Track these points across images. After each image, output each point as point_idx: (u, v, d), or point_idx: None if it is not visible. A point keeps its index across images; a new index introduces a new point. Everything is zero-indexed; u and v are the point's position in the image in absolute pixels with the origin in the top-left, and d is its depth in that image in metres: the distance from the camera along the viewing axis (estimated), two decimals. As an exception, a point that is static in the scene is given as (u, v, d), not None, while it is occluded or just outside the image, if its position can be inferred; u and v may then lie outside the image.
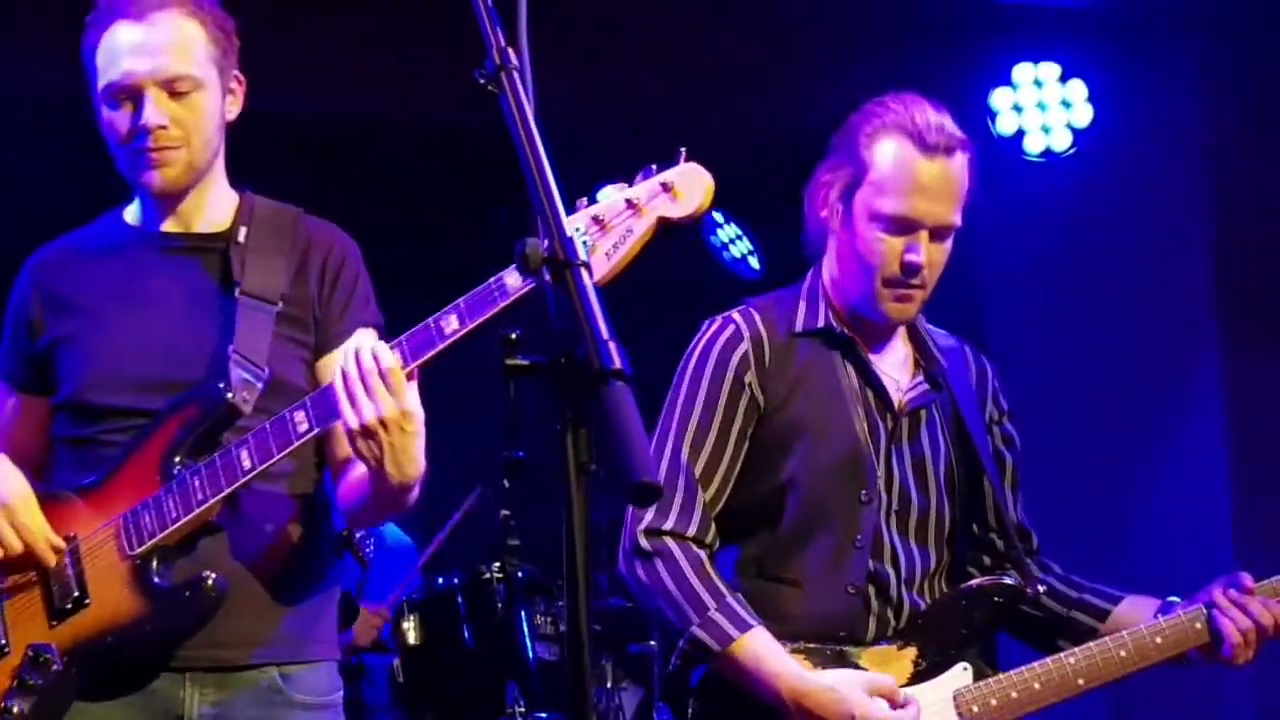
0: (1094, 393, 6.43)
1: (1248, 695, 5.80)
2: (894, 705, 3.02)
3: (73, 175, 4.45)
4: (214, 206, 3.02)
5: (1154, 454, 6.34)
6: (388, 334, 2.78)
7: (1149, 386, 6.35)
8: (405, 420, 2.64)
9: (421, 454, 2.70)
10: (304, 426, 2.72)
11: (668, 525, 3.12)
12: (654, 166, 2.56)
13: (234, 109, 3.00)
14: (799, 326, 3.23)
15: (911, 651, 3.13)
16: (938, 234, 3.14)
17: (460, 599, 5.77)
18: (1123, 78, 6.37)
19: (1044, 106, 6.52)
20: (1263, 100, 6.00)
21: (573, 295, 2.12)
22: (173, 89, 2.88)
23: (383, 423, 2.63)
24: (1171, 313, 6.28)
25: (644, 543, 3.11)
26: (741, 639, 3.03)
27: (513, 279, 2.56)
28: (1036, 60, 6.52)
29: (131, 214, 3.06)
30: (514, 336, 2.18)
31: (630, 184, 2.55)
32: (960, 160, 3.14)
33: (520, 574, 5.75)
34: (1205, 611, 3.16)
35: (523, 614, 5.70)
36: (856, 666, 3.10)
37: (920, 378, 3.27)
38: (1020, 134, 6.55)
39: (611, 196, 2.53)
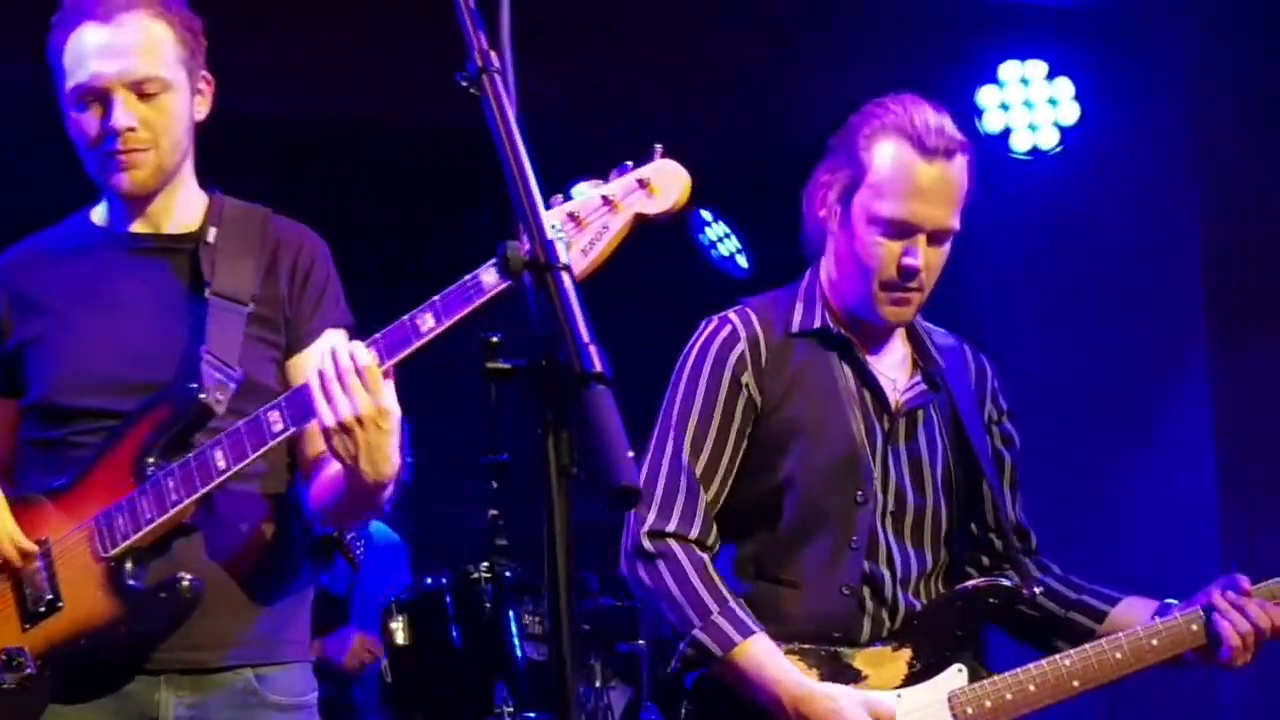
0: (1080, 390, 6.44)
1: (1239, 697, 5.81)
2: None
3: (36, 175, 4.44)
4: (183, 207, 3.00)
5: (1141, 451, 6.34)
6: (370, 334, 2.77)
7: (1136, 384, 6.36)
8: (381, 418, 2.63)
9: (396, 452, 2.69)
10: (279, 426, 2.71)
11: (671, 527, 3.12)
12: (629, 163, 2.56)
13: (202, 110, 2.99)
14: (796, 327, 3.22)
15: (906, 653, 3.13)
16: (936, 237, 3.13)
17: (448, 599, 5.75)
18: (1110, 76, 6.38)
19: (1031, 105, 6.53)
20: (1250, 98, 6.00)
21: (554, 298, 2.11)
22: (141, 90, 2.87)
23: (359, 420, 2.62)
24: (1159, 311, 6.29)
25: (647, 544, 3.11)
26: (744, 644, 3.03)
27: (489, 276, 2.56)
28: (1023, 58, 6.53)
29: (99, 215, 3.04)
30: (495, 340, 2.19)
31: (605, 180, 2.55)
32: (960, 163, 3.13)
33: (508, 574, 5.73)
34: (1203, 614, 3.15)
35: (511, 614, 5.68)
36: (851, 667, 3.10)
37: (918, 378, 3.27)
38: (1007, 132, 6.55)
39: (587, 193, 2.53)
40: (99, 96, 2.86)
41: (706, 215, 7.61)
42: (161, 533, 2.78)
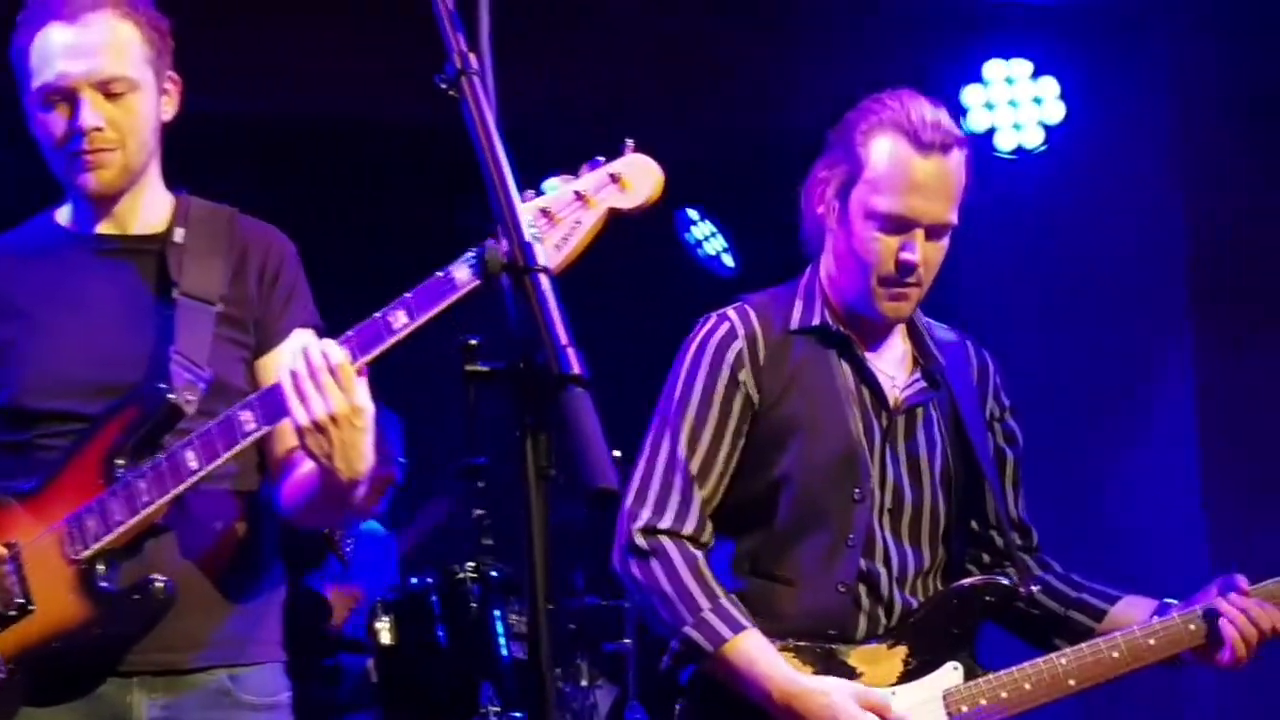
0: (1065, 389, 6.43)
1: (1219, 698, 5.81)
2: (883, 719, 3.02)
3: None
4: (149, 208, 2.99)
5: (1125, 450, 6.34)
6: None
7: (1121, 383, 6.35)
8: (355, 415, 2.62)
9: (370, 449, 2.68)
10: (251, 426, 2.69)
11: (664, 524, 3.12)
12: (601, 158, 2.56)
13: (169, 110, 2.98)
14: (795, 324, 3.22)
15: (902, 650, 3.13)
16: (934, 232, 3.13)
17: (434, 599, 5.75)
18: (1095, 74, 6.37)
19: (1015, 104, 6.52)
20: (1235, 96, 6.00)
21: (532, 301, 2.11)
22: (108, 90, 2.85)
23: (333, 419, 2.61)
24: (1144, 310, 6.29)
25: (640, 541, 3.11)
26: (734, 640, 3.03)
27: (461, 273, 2.55)
28: (1008, 57, 6.52)
29: (64, 216, 3.03)
30: (473, 343, 2.18)
31: (577, 176, 2.54)
32: (957, 158, 3.14)
33: (494, 574, 5.73)
34: (1203, 615, 3.14)
35: (496, 614, 5.68)
36: (846, 664, 3.09)
37: (918, 375, 3.26)
38: (992, 131, 6.55)
39: (559, 189, 2.52)
40: (65, 96, 2.85)
41: (692, 214, 7.62)
42: (133, 534, 2.76)
